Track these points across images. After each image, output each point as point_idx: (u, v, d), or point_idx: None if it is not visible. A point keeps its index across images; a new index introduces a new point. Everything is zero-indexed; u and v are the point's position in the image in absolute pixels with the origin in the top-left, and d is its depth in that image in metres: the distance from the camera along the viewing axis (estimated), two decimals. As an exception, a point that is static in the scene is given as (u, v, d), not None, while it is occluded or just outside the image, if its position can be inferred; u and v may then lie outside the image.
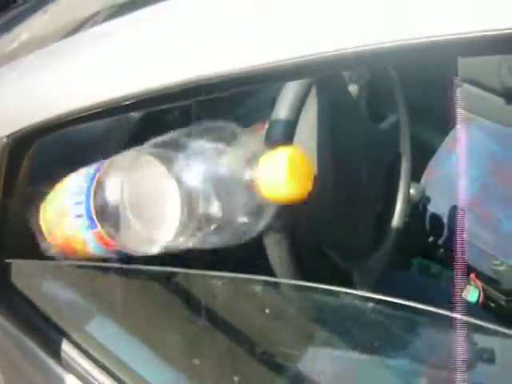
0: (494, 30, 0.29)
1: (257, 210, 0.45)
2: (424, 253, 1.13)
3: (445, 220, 1.07)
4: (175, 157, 0.45)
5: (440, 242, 1.09)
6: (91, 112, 0.50)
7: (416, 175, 0.99)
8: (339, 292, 0.53)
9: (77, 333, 0.61)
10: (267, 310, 0.56)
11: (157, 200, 0.46)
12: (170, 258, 0.57)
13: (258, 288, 0.57)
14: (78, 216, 0.52)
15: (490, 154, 1.11)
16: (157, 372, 0.59)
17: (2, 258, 0.62)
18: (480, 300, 1.07)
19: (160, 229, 0.46)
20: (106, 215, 0.49)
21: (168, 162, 0.45)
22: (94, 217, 0.50)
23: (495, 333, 0.49)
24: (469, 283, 1.08)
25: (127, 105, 0.48)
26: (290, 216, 0.64)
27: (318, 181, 0.72)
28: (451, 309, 0.46)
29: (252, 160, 0.43)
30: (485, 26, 0.29)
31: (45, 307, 0.63)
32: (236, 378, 0.56)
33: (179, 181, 0.44)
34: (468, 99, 1.24)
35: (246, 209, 0.44)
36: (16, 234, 0.61)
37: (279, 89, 0.63)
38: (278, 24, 0.38)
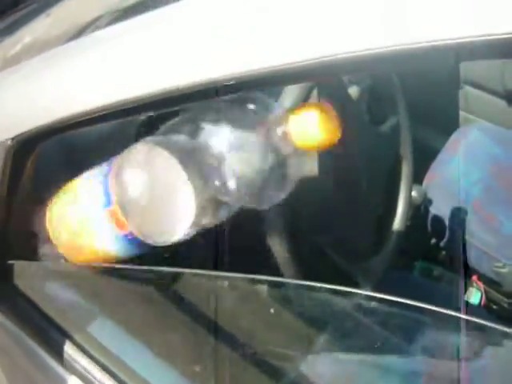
0: (495, 35, 0.29)
1: (279, 173, 0.49)
2: (426, 255, 1.13)
3: (446, 222, 1.07)
4: (188, 142, 0.48)
5: (442, 244, 1.10)
6: (94, 115, 0.51)
7: (418, 178, 0.99)
8: (341, 292, 0.53)
9: (79, 334, 0.61)
10: (272, 310, 0.57)
11: (171, 190, 0.48)
12: (171, 258, 0.57)
13: (261, 288, 0.58)
14: (93, 196, 0.53)
15: (491, 156, 1.11)
16: (158, 373, 0.59)
17: (5, 259, 0.62)
18: (482, 302, 1.07)
19: (176, 217, 0.48)
20: (123, 199, 0.50)
21: (179, 150, 0.47)
22: (111, 193, 0.51)
23: (497, 333, 0.49)
24: (471, 285, 1.08)
25: (130, 108, 0.48)
26: (292, 217, 0.65)
27: (320, 183, 0.72)
28: (453, 311, 0.46)
29: (275, 117, 0.48)
30: (486, 31, 0.30)
31: (47, 308, 0.63)
32: (237, 380, 0.56)
33: (192, 166, 0.47)
34: (470, 101, 1.24)
35: (269, 173, 0.48)
36: (19, 235, 0.61)
37: (280, 92, 0.64)
38: (280, 28, 0.38)
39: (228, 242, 0.65)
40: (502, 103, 1.23)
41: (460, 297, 0.87)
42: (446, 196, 1.08)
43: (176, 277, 0.59)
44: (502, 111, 1.23)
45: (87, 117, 0.51)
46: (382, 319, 0.54)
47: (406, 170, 0.87)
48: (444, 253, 1.11)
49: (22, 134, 0.54)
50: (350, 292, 0.53)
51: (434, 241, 1.11)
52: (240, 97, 0.49)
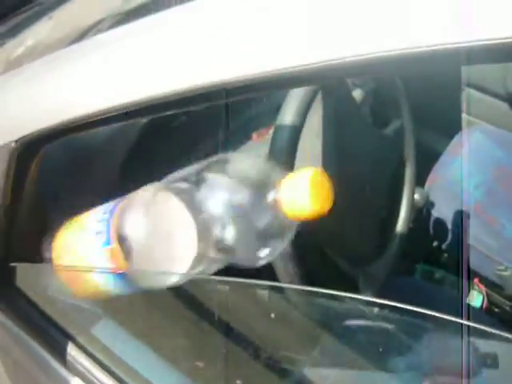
0: (496, 39, 0.29)
1: (276, 233, 0.47)
2: (428, 258, 1.13)
3: (449, 225, 1.07)
4: (193, 190, 0.47)
5: (444, 247, 1.09)
6: (97, 118, 0.51)
7: (420, 180, 0.99)
8: (343, 297, 0.53)
9: (81, 335, 0.61)
10: (272, 315, 0.57)
11: (174, 234, 0.48)
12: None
13: (263, 293, 0.57)
14: (95, 233, 0.52)
15: (493, 159, 1.11)
16: (161, 374, 0.59)
17: (8, 262, 0.62)
18: (484, 305, 1.07)
19: (176, 261, 0.48)
20: (123, 239, 0.49)
21: (185, 196, 0.47)
22: (113, 233, 0.50)
23: (499, 338, 0.49)
24: (473, 288, 1.08)
25: (132, 111, 0.48)
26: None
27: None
28: (455, 314, 0.46)
29: (271, 183, 0.46)
30: (488, 35, 0.30)
31: (49, 310, 0.63)
32: (239, 382, 0.56)
33: (196, 214, 0.46)
34: (472, 104, 1.24)
35: (265, 233, 0.47)
36: (22, 237, 0.61)
37: (285, 94, 0.64)
38: (284, 32, 0.38)
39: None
40: (505, 106, 1.23)
41: (462, 300, 0.87)
42: (448, 199, 1.08)
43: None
44: (505, 114, 1.23)
45: (90, 120, 0.51)
46: (383, 323, 0.54)
47: (408, 173, 0.87)
48: (446, 256, 1.11)
49: (25, 136, 0.54)
50: (352, 297, 0.53)
51: (435, 244, 1.11)
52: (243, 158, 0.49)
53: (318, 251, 0.73)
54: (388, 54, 0.33)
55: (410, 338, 0.55)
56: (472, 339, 0.47)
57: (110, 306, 0.64)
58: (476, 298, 1.07)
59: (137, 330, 0.61)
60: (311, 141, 0.67)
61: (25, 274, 0.64)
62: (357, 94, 0.80)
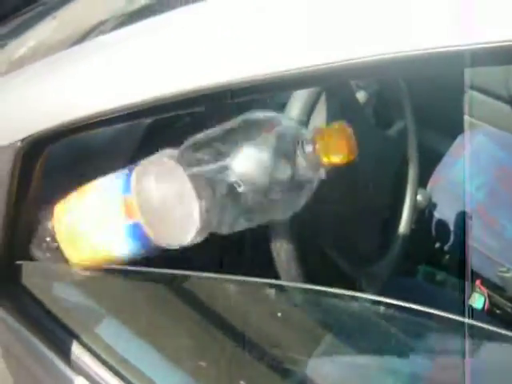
0: (499, 42, 0.30)
1: (296, 188, 0.53)
2: (430, 259, 1.13)
3: (451, 226, 1.07)
4: (201, 158, 0.50)
5: (446, 248, 1.10)
6: (102, 118, 0.51)
7: (422, 181, 0.99)
8: (345, 296, 0.53)
9: (86, 334, 0.61)
10: (279, 314, 0.57)
11: (180, 200, 0.51)
12: (177, 261, 0.57)
13: (265, 292, 0.58)
14: (111, 189, 0.54)
15: (495, 160, 1.11)
16: (164, 374, 0.59)
17: (13, 260, 0.63)
18: (485, 307, 1.07)
19: (184, 226, 0.51)
20: (140, 193, 0.52)
21: (191, 165, 0.50)
22: (133, 184, 0.53)
23: (501, 338, 0.50)
24: (474, 290, 1.08)
25: (136, 112, 0.49)
26: (297, 220, 0.65)
27: (325, 187, 0.72)
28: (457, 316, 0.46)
29: (301, 135, 0.52)
30: (490, 38, 0.30)
31: (54, 308, 0.63)
32: (242, 383, 0.56)
33: (201, 182, 0.50)
34: (474, 106, 1.24)
35: (285, 189, 0.52)
36: (27, 236, 0.61)
37: (289, 95, 0.64)
38: (288, 34, 0.38)
39: (233, 245, 0.65)
40: (507, 108, 1.24)
41: (464, 302, 0.87)
42: (450, 200, 1.08)
43: (181, 278, 0.60)
44: (507, 116, 1.23)
45: (94, 120, 0.51)
46: (385, 323, 0.54)
47: (411, 174, 0.87)
48: (448, 257, 1.11)
49: (31, 135, 0.54)
50: (355, 296, 0.54)
51: (437, 245, 1.11)
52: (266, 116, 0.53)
53: (320, 252, 0.73)
54: (391, 57, 0.33)
55: (412, 338, 0.55)
56: (474, 339, 0.47)
57: (113, 305, 0.64)
58: (478, 300, 1.07)
59: (140, 328, 0.61)
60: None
61: (29, 273, 0.64)
62: (360, 95, 0.81)
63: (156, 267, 0.57)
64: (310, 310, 0.61)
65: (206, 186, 0.50)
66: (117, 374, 0.57)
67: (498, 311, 1.08)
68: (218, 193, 0.50)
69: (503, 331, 0.45)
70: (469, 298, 1.05)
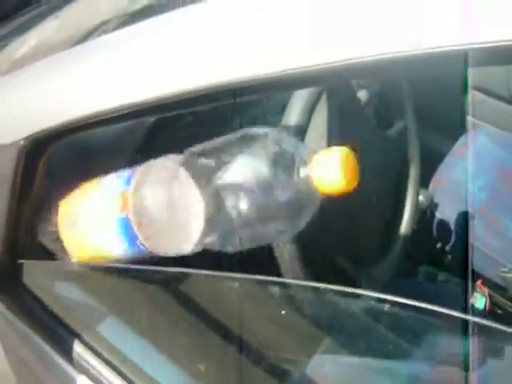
0: (501, 41, 0.30)
1: (296, 209, 0.49)
2: (431, 260, 1.13)
3: (452, 227, 1.07)
4: (207, 165, 0.48)
5: (447, 248, 1.09)
6: (105, 117, 0.51)
7: (424, 182, 0.99)
8: (347, 293, 0.53)
9: (88, 333, 0.61)
10: (283, 312, 0.57)
11: (185, 207, 0.49)
12: (180, 260, 0.57)
13: (267, 291, 0.58)
14: (111, 188, 0.54)
15: (497, 160, 1.11)
16: (166, 372, 0.59)
17: (15, 259, 0.63)
18: (487, 307, 1.07)
19: (188, 231, 0.49)
20: (139, 209, 0.51)
21: (197, 171, 0.48)
22: (133, 183, 0.52)
23: (503, 337, 0.50)
24: (475, 290, 1.08)
25: (138, 111, 0.49)
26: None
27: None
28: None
29: (299, 159, 0.48)
30: (491, 37, 0.30)
31: (56, 307, 0.64)
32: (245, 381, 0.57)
33: (206, 188, 0.48)
34: (476, 106, 1.24)
35: (284, 209, 0.48)
36: (29, 235, 0.62)
37: (290, 95, 0.64)
38: (289, 33, 0.38)
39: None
40: (509, 108, 1.24)
41: (466, 302, 0.87)
42: (452, 200, 1.08)
43: (183, 277, 0.60)
44: (508, 116, 1.23)
45: (96, 119, 0.52)
46: (386, 323, 0.54)
47: (413, 175, 0.87)
48: (449, 257, 1.11)
49: (34, 134, 0.55)
50: (356, 294, 0.54)
51: (439, 245, 1.11)
52: (265, 133, 0.50)
53: (322, 252, 0.73)
54: (392, 56, 0.33)
55: (414, 337, 0.55)
56: (476, 338, 0.47)
57: (115, 304, 0.64)
58: (479, 300, 1.07)
59: (142, 327, 0.61)
60: (316, 141, 0.68)
61: (31, 271, 0.64)
62: (361, 95, 0.81)
63: (158, 265, 0.57)
64: (310, 310, 0.61)
65: (210, 194, 0.48)
66: (119, 372, 0.58)
67: (499, 311, 1.08)
68: (221, 202, 0.47)
69: (505, 328, 0.45)
70: (470, 298, 1.05)
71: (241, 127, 0.52)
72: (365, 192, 0.78)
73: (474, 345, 0.47)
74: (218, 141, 0.50)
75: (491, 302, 1.07)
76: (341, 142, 0.70)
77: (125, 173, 0.54)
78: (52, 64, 0.59)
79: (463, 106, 1.24)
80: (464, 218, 1.05)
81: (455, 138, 1.17)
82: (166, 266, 0.56)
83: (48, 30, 0.91)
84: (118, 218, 0.53)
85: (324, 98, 0.67)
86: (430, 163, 1.07)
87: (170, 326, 0.62)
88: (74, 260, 0.59)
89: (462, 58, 0.32)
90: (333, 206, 0.71)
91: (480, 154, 1.11)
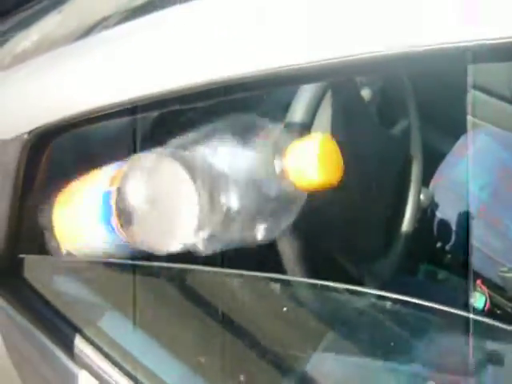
0: (504, 38, 0.30)
1: (283, 203, 0.45)
2: (431, 258, 1.13)
3: (453, 226, 1.07)
4: (196, 156, 0.46)
5: (447, 247, 1.10)
6: (107, 112, 0.51)
7: (425, 180, 0.99)
8: (347, 290, 0.53)
9: (89, 328, 0.61)
10: (285, 309, 0.57)
11: (176, 200, 0.46)
12: (182, 255, 0.57)
13: (269, 287, 0.58)
14: (95, 208, 0.53)
15: (498, 160, 1.11)
16: (167, 367, 0.59)
17: (16, 253, 0.63)
18: (486, 307, 1.07)
19: (177, 227, 0.47)
20: (124, 210, 0.49)
21: (188, 163, 0.45)
22: (113, 208, 0.50)
23: (502, 336, 0.50)
24: (475, 290, 1.08)
25: (139, 106, 0.49)
26: (300, 218, 0.65)
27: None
28: (458, 315, 0.46)
29: (279, 150, 0.43)
30: (494, 34, 0.30)
31: (57, 302, 0.64)
32: (243, 375, 0.57)
33: (198, 180, 0.44)
34: (477, 106, 1.24)
35: (271, 203, 0.44)
36: (31, 229, 0.61)
37: (294, 93, 0.64)
38: (294, 28, 0.38)
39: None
40: (510, 108, 1.24)
41: (466, 301, 0.87)
42: (453, 199, 1.08)
43: (184, 271, 0.60)
44: (510, 116, 1.23)
45: (98, 114, 0.52)
46: (386, 321, 0.54)
47: (415, 173, 0.87)
48: (450, 256, 1.11)
49: (38, 128, 0.55)
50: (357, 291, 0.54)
51: (439, 244, 1.11)
52: (251, 122, 0.46)
53: (324, 250, 0.73)
54: (394, 53, 0.33)
55: (413, 335, 0.55)
56: (475, 337, 0.47)
57: (116, 298, 0.64)
58: (478, 300, 1.07)
59: (143, 322, 0.61)
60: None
61: (33, 266, 0.64)
62: (365, 93, 0.81)
63: (159, 261, 0.57)
64: (312, 307, 0.61)
65: (201, 185, 0.44)
66: (120, 367, 0.58)
67: (498, 311, 1.08)
68: (211, 193, 0.44)
69: (505, 326, 0.45)
70: (470, 297, 1.05)
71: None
72: (367, 189, 0.78)
73: (473, 343, 0.47)
74: (203, 130, 0.47)
75: (491, 301, 1.07)
76: (344, 140, 0.71)
77: (115, 166, 0.54)
78: (54, 58, 0.59)
79: (465, 105, 1.25)
80: (465, 218, 1.05)
81: (457, 138, 1.18)
82: (166, 261, 0.56)
83: (50, 24, 0.90)
84: (102, 195, 0.50)
85: (328, 95, 0.67)
86: (431, 162, 1.08)
87: (171, 321, 0.62)
88: (63, 251, 0.59)
89: (465, 56, 0.32)
90: (333, 203, 0.72)
91: (481, 154, 1.12)
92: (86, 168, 0.59)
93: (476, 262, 1.04)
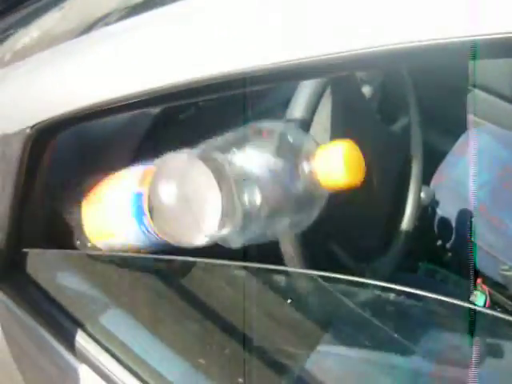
0: (505, 33, 0.30)
1: (306, 202, 0.49)
2: (431, 257, 1.13)
3: (453, 224, 1.07)
4: (224, 158, 0.48)
5: (448, 246, 1.10)
6: (109, 107, 0.51)
7: (425, 179, 0.99)
8: (347, 290, 0.54)
9: (91, 323, 0.61)
10: (289, 300, 0.57)
11: (203, 199, 0.49)
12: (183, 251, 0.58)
13: (270, 287, 0.58)
14: (127, 208, 0.54)
15: (499, 159, 1.11)
16: (168, 363, 0.60)
17: (20, 247, 0.63)
18: (486, 305, 1.07)
19: (205, 223, 0.49)
20: (157, 209, 0.52)
21: (216, 164, 0.48)
22: (145, 208, 0.52)
23: (504, 333, 0.50)
24: (475, 288, 1.08)
25: (141, 101, 0.49)
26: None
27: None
28: (458, 313, 0.46)
29: (304, 153, 0.47)
30: (495, 29, 0.30)
31: (59, 297, 0.64)
32: (245, 373, 0.57)
33: (224, 181, 0.47)
34: (478, 104, 1.24)
35: (294, 202, 0.48)
36: (34, 223, 0.62)
37: (294, 89, 0.64)
38: (293, 23, 0.38)
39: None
40: (511, 107, 1.24)
41: (468, 299, 0.87)
42: (453, 198, 1.08)
43: (187, 269, 0.60)
44: (510, 115, 1.23)
45: (100, 108, 0.52)
46: (386, 317, 0.54)
47: (415, 170, 0.87)
48: (449, 254, 1.11)
49: (40, 122, 0.55)
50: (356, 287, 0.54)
51: (439, 242, 1.11)
52: (277, 127, 0.50)
53: (323, 247, 0.73)
54: (395, 48, 0.33)
55: (413, 331, 0.55)
56: (477, 333, 0.47)
57: (119, 294, 0.64)
58: (479, 298, 1.07)
59: (145, 318, 0.62)
60: (320, 135, 0.68)
61: (35, 260, 0.64)
62: (366, 89, 0.81)
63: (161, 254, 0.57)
64: (312, 305, 0.62)
65: (225, 187, 0.47)
66: (121, 363, 0.58)
67: (499, 309, 1.08)
68: (236, 195, 0.47)
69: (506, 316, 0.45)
70: (470, 295, 1.05)
71: (244, 120, 0.52)
72: (367, 187, 0.78)
73: (474, 340, 0.47)
74: (231, 134, 0.50)
75: (491, 300, 1.07)
76: (344, 137, 0.71)
77: (142, 166, 0.55)
78: (56, 53, 0.59)
79: (465, 104, 1.25)
80: (465, 216, 1.05)
81: (457, 136, 1.18)
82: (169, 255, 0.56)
83: (51, 21, 0.91)
84: (133, 195, 0.53)
85: (328, 92, 0.67)
86: (432, 160, 1.08)
87: (173, 317, 0.62)
88: (88, 244, 0.60)
89: (466, 51, 0.32)
90: (334, 200, 0.72)
91: (481, 153, 1.12)
92: (91, 162, 0.60)
93: (476, 260, 1.04)
